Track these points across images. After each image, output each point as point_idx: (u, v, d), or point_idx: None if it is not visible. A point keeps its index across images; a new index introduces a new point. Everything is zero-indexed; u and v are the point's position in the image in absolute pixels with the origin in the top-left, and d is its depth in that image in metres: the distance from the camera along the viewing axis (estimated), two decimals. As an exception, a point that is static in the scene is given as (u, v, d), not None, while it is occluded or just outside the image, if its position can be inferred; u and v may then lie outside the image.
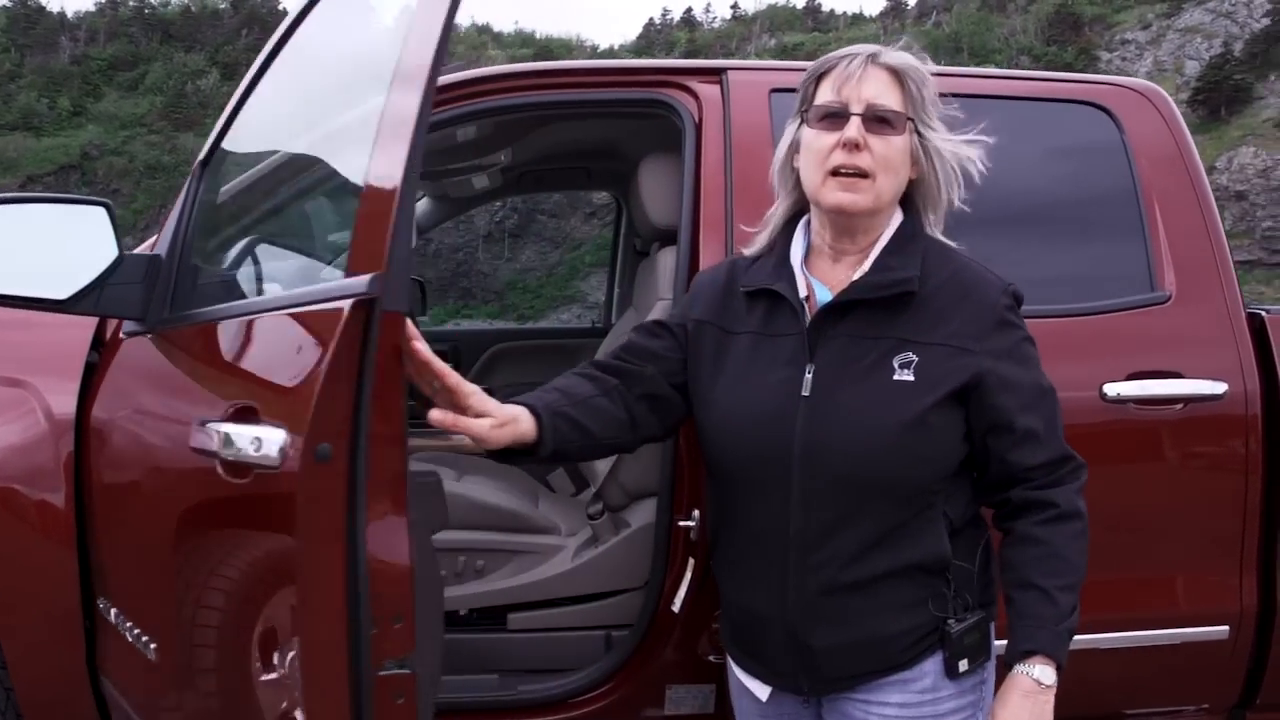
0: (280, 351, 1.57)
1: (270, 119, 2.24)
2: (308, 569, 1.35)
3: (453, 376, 1.63)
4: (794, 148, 1.78)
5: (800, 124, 1.76)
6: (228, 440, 1.54)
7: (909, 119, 1.69)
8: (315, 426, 1.32)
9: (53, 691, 2.40)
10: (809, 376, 1.67)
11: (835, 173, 1.68)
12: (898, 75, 1.70)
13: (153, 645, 1.97)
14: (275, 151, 2.39)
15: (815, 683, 1.75)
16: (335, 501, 1.31)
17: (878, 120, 1.67)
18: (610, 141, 3.88)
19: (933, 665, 1.71)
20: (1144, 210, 2.75)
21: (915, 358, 1.65)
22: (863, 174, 1.67)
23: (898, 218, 1.77)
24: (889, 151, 1.67)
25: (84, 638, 2.35)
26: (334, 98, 2.10)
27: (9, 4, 63.30)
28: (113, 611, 2.20)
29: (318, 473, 1.31)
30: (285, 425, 1.42)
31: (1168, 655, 2.62)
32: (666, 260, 2.86)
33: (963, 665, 1.70)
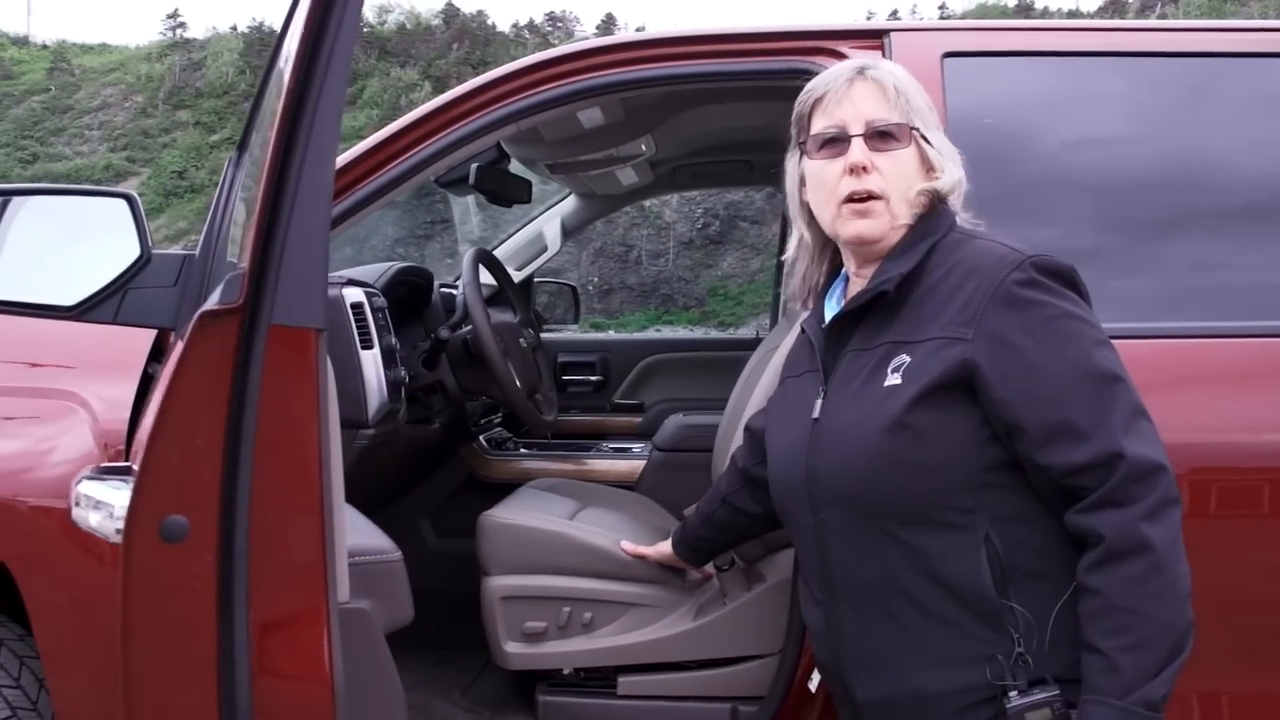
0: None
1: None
2: (151, 690, 0.95)
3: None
4: (801, 181, 1.70)
5: (801, 156, 1.69)
6: (81, 499, 1.18)
7: (912, 129, 1.59)
8: (152, 491, 0.92)
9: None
10: (819, 401, 1.61)
11: (848, 199, 1.59)
12: (890, 86, 1.61)
13: None
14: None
15: None
16: (196, 595, 0.91)
17: (879, 135, 1.59)
18: (767, 129, 3.42)
19: None
20: None
21: (907, 359, 1.51)
22: (875, 195, 1.58)
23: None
24: (898, 167, 1.59)
25: None
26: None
27: (245, 30, 67.91)
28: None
29: (164, 556, 0.92)
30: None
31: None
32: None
33: None
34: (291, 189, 0.96)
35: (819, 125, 1.63)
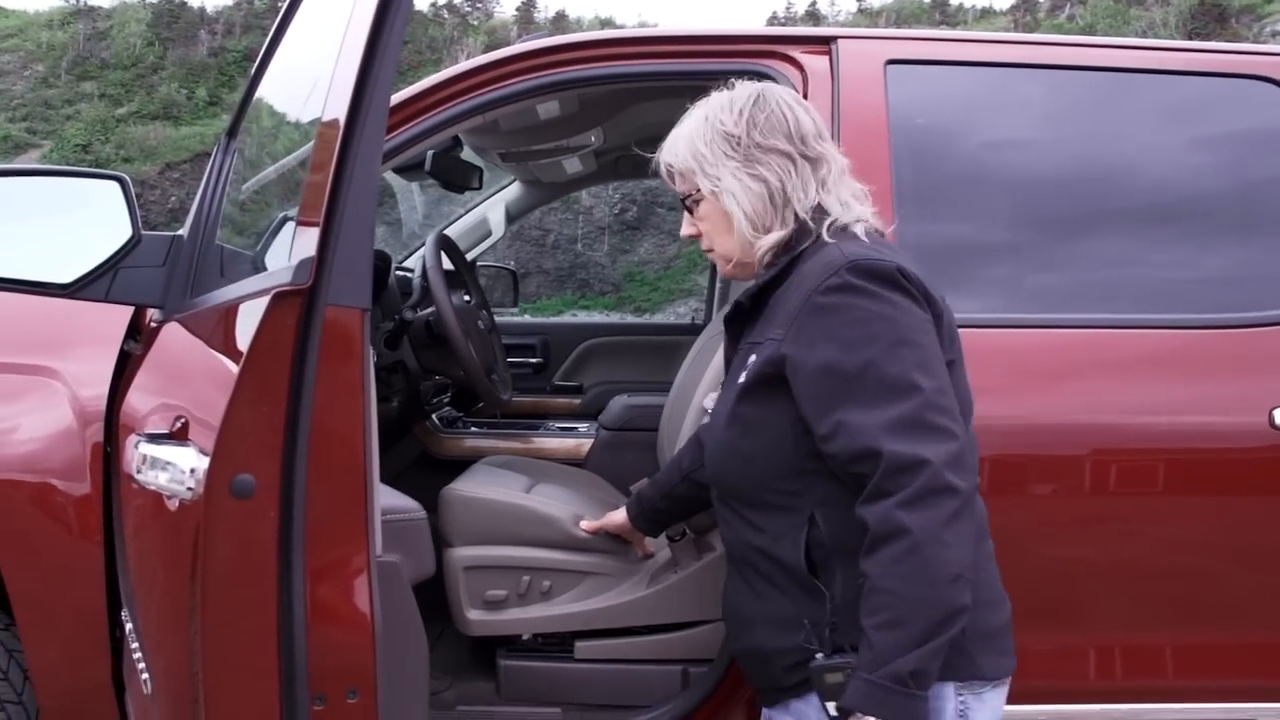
0: (215, 355, 1.31)
1: (294, 80, 1.99)
2: (222, 630, 1.07)
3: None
4: None
5: None
6: (145, 463, 1.28)
7: (687, 195, 1.78)
8: (226, 452, 1.04)
9: (76, 707, 2.22)
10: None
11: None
12: (665, 170, 1.81)
13: (146, 677, 1.74)
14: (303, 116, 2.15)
15: (755, 692, 1.82)
16: (260, 545, 1.04)
17: (690, 206, 1.80)
18: (710, 123, 3.57)
19: (819, 702, 1.60)
20: (1325, 203, 2.36)
21: (755, 358, 1.68)
22: (709, 249, 1.82)
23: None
24: (709, 225, 1.78)
25: (110, 649, 2.16)
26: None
27: (154, 1, 66.04)
28: (128, 626, 2.00)
29: (234, 511, 1.04)
30: (203, 449, 1.16)
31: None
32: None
33: (831, 709, 1.55)
34: (347, 185, 1.07)
35: None
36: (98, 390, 2.15)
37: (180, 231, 2.04)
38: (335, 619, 1.11)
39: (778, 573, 1.66)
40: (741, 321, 1.82)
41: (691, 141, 1.76)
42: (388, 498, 1.50)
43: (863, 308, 1.57)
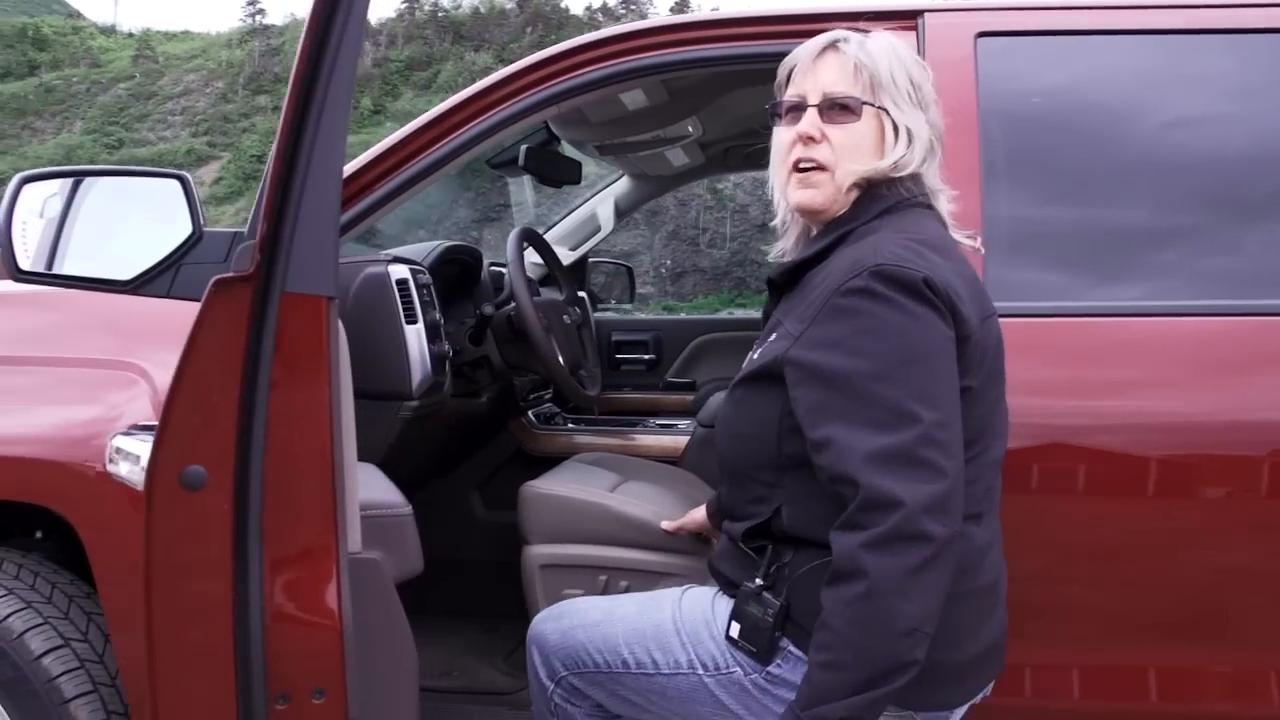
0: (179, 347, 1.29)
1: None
2: (172, 625, 1.04)
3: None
4: None
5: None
6: (114, 453, 1.28)
7: (865, 103, 1.62)
8: (171, 444, 1.01)
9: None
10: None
11: (797, 167, 1.64)
12: (853, 61, 1.63)
13: None
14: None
15: None
16: (214, 538, 1.00)
17: (835, 108, 1.63)
18: (812, 109, 3.45)
19: (724, 609, 1.66)
20: None
21: (775, 338, 1.61)
22: (820, 167, 1.63)
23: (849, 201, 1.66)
24: (849, 139, 1.62)
25: None
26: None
27: (325, 13, 69.09)
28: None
29: (184, 504, 1.01)
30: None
31: None
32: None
33: (733, 629, 1.61)
34: (303, 165, 1.04)
35: (787, 94, 1.71)
36: None
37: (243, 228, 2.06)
38: (299, 616, 1.08)
39: (743, 537, 1.68)
40: (781, 290, 1.76)
41: (890, 62, 1.64)
42: (373, 492, 1.48)
43: (878, 317, 1.47)
